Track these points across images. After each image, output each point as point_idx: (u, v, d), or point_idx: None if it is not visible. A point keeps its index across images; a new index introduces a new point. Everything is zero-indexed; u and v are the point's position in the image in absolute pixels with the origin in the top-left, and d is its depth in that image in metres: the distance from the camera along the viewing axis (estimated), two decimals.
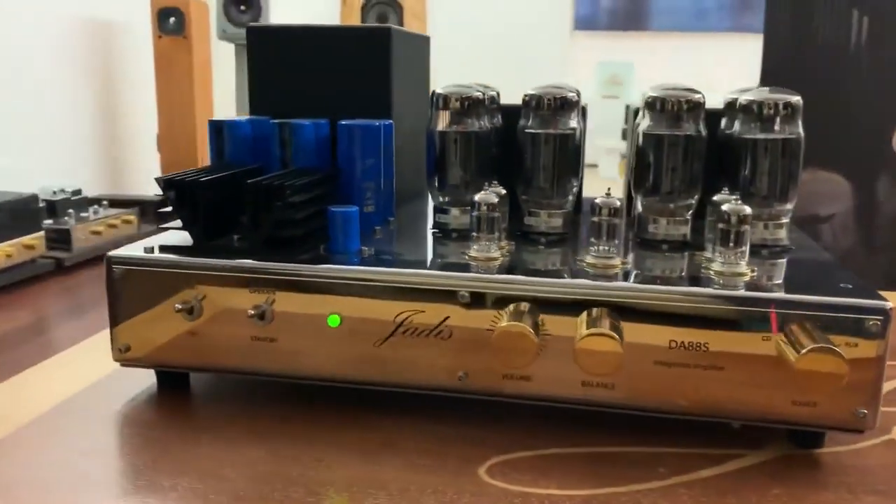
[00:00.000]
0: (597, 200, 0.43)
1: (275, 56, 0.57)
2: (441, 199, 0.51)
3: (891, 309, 0.37)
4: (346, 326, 0.42)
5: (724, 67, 4.73)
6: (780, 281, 0.43)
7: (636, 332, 0.39)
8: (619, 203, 0.43)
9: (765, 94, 0.48)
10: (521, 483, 0.37)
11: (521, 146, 0.49)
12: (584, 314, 0.39)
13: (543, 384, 0.41)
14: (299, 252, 0.44)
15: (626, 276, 0.42)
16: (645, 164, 0.48)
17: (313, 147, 0.52)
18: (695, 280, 0.42)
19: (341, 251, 0.45)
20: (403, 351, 0.42)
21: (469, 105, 0.50)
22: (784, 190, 0.47)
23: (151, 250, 0.45)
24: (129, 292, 0.44)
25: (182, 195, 0.44)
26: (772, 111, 0.47)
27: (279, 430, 0.41)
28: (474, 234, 0.45)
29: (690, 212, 0.48)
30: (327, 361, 0.43)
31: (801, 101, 0.47)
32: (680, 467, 0.38)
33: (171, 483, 0.36)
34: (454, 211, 0.51)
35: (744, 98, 0.48)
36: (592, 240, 0.43)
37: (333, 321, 0.42)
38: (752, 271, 0.42)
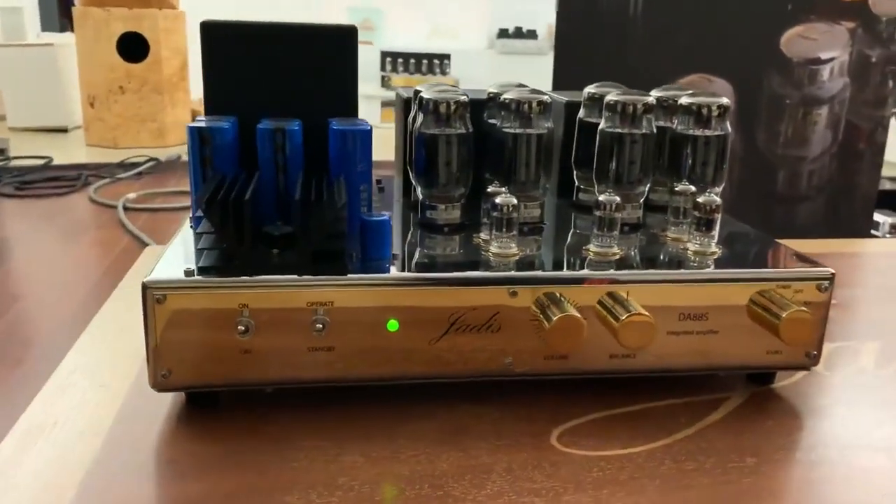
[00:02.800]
0: (600, 198, 0.50)
1: (231, 54, 0.56)
2: (430, 196, 0.55)
3: (833, 274, 0.49)
4: (403, 329, 0.45)
5: (470, 13, 4.98)
6: (747, 257, 0.53)
7: (652, 310, 0.47)
8: (618, 200, 0.50)
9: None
10: (591, 447, 0.44)
11: (505, 144, 0.55)
12: (608, 297, 0.47)
13: (578, 361, 0.47)
14: (338, 261, 0.46)
15: (626, 262, 0.49)
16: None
17: (301, 151, 0.52)
18: (680, 262, 0.50)
19: (377, 258, 0.47)
20: (457, 346, 0.46)
21: (456, 108, 0.54)
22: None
23: (191, 273, 0.44)
24: (172, 317, 0.43)
25: (225, 214, 0.44)
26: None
27: (356, 434, 0.44)
28: (495, 232, 0.50)
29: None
30: (385, 363, 0.46)
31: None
32: (693, 415, 0.48)
33: (294, 499, 0.38)
34: (441, 207, 0.55)
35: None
36: (597, 231, 0.50)
37: (393, 326, 0.45)
38: (720, 249, 0.52)
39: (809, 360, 0.50)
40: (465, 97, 0.54)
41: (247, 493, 0.38)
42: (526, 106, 0.54)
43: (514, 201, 0.49)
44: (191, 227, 0.53)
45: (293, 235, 0.46)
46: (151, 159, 2.60)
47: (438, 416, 0.46)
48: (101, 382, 0.49)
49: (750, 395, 0.50)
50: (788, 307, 0.46)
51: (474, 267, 0.47)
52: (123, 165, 2.56)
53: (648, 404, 0.49)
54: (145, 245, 2.06)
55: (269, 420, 0.45)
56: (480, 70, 4.99)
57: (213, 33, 0.55)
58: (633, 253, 0.52)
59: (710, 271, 0.48)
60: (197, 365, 0.44)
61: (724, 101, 0.56)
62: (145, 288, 0.43)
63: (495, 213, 0.49)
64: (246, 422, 0.45)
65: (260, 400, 0.47)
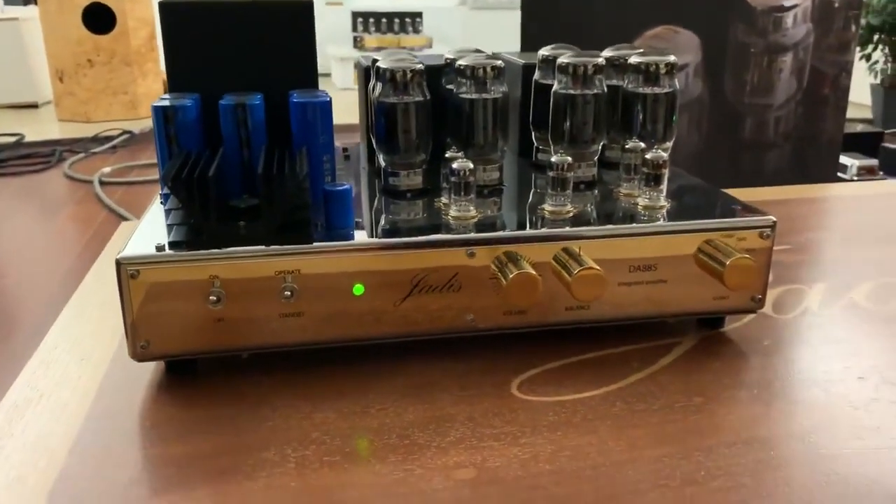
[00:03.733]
0: (553, 159, 0.53)
1: (191, 32, 0.57)
2: (391, 163, 0.57)
3: (775, 221, 0.52)
4: (369, 293, 0.48)
5: None
6: (694, 209, 0.56)
7: (603, 263, 0.49)
8: (570, 160, 0.53)
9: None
10: (548, 394, 0.47)
11: (462, 109, 0.57)
12: (563, 253, 0.49)
13: (536, 314, 0.50)
14: (304, 230, 0.48)
15: (579, 219, 0.52)
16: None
17: (263, 125, 0.54)
18: (630, 217, 0.53)
19: (341, 226, 0.50)
20: (421, 306, 0.49)
21: (413, 76, 0.55)
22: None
23: (162, 248, 0.46)
24: (146, 291, 0.45)
25: (190, 191, 0.46)
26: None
27: (328, 392, 0.47)
28: (454, 196, 0.52)
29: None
30: (353, 325, 0.48)
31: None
32: (645, 360, 0.51)
33: (271, 454, 0.41)
34: (403, 173, 0.57)
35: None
36: (550, 191, 0.53)
37: (358, 290, 0.48)
38: (668, 203, 0.54)
39: (755, 303, 0.53)
40: (420, 65, 0.56)
41: (227, 452, 0.41)
42: (480, 71, 0.56)
43: (471, 165, 0.52)
44: (161, 203, 0.55)
45: (258, 208, 0.48)
46: (125, 132, 2.60)
47: (406, 372, 0.49)
48: (83, 356, 0.52)
49: (700, 339, 0.54)
50: (731, 255, 0.49)
51: (435, 230, 0.50)
52: (97, 139, 2.56)
53: (603, 352, 0.52)
54: (123, 219, 2.07)
55: (245, 384, 0.48)
56: (454, 27, 4.95)
57: (173, 12, 0.56)
58: (588, 209, 0.54)
59: (657, 224, 0.51)
60: (173, 335, 0.47)
61: (672, 58, 0.58)
62: (119, 264, 0.45)
63: (453, 178, 0.52)
64: (224, 386, 0.48)
65: (237, 366, 0.49)
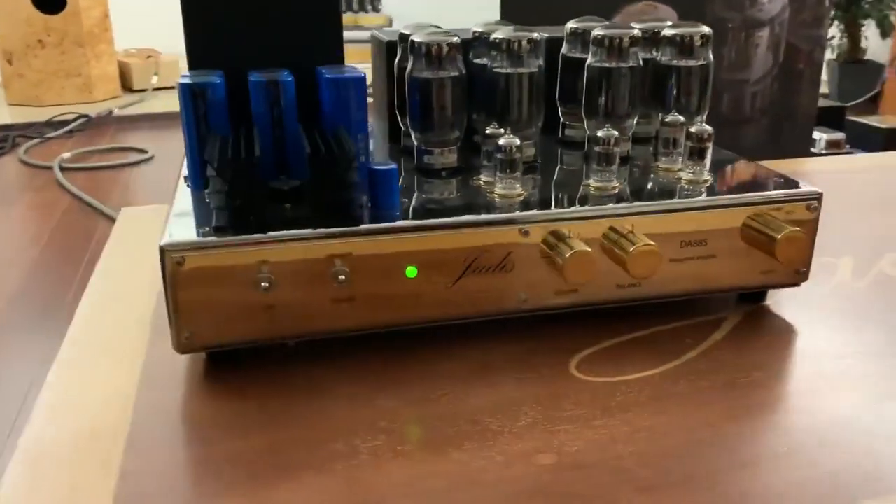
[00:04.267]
0: (599, 133, 0.51)
1: (212, 4, 0.54)
2: (426, 141, 0.55)
3: (821, 193, 0.51)
4: (422, 275, 0.46)
5: None
6: (738, 182, 0.55)
7: (655, 239, 0.49)
8: (616, 135, 0.51)
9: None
10: (608, 374, 0.46)
11: (498, 84, 0.55)
12: (613, 230, 0.48)
13: (588, 293, 0.49)
14: (354, 212, 0.46)
15: (624, 195, 0.51)
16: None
17: (295, 103, 0.52)
18: (677, 192, 0.52)
19: (388, 207, 0.48)
20: (473, 287, 0.47)
21: (449, 50, 0.53)
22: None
23: (207, 233, 0.43)
24: (192, 279, 0.43)
25: (237, 173, 0.43)
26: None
27: (386, 379, 0.45)
28: (499, 173, 0.50)
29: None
30: (406, 309, 0.47)
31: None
32: (698, 336, 0.50)
33: (340, 446, 0.39)
34: (438, 151, 0.55)
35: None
36: (596, 167, 0.52)
37: (411, 272, 0.46)
38: (711, 177, 0.54)
39: (800, 276, 0.53)
40: (456, 38, 0.54)
41: (292, 445, 0.39)
42: (517, 45, 0.54)
43: (517, 142, 0.50)
44: (187, 185, 0.53)
45: (302, 189, 0.46)
46: (81, 116, 2.51)
47: (462, 356, 0.47)
48: (113, 350, 0.49)
49: (746, 313, 0.53)
50: (782, 228, 0.49)
51: (485, 209, 0.48)
52: (52, 124, 2.47)
53: (655, 329, 0.51)
54: (90, 206, 1.99)
55: (295, 373, 0.46)
56: (414, 5, 4.89)
57: None
58: (631, 185, 0.53)
59: (708, 198, 0.50)
60: (220, 324, 0.44)
61: (706, 30, 0.58)
62: (164, 251, 0.42)
63: (499, 155, 0.50)
64: (271, 376, 0.46)
65: (281, 355, 0.47)
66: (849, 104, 2.80)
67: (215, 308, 0.44)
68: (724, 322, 0.52)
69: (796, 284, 0.53)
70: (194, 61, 0.54)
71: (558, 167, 0.59)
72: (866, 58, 3.32)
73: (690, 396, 0.44)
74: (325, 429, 0.41)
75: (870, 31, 3.24)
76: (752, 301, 0.55)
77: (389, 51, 0.62)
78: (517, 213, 0.47)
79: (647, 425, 0.41)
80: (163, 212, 0.48)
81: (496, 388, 0.44)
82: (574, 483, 0.37)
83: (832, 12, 3.33)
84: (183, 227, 0.45)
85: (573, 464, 0.38)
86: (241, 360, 0.47)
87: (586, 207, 0.49)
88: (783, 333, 0.51)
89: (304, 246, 0.44)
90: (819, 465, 0.38)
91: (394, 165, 0.48)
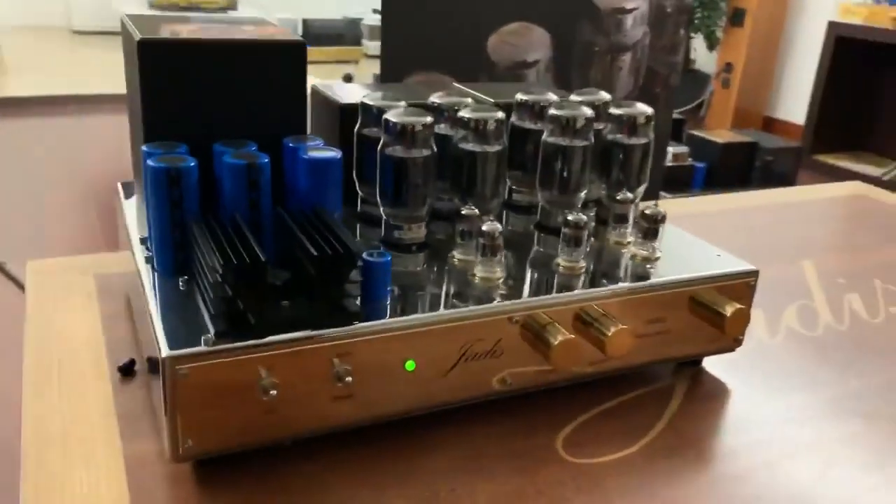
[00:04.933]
0: (569, 217, 0.54)
1: (174, 74, 0.51)
2: (395, 216, 0.55)
3: (757, 270, 0.57)
4: (420, 366, 0.47)
5: None
6: (683, 262, 0.60)
7: (628, 319, 0.52)
8: (584, 218, 0.54)
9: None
10: (593, 454, 0.49)
11: (467, 161, 0.56)
12: (584, 313, 0.51)
13: (565, 372, 0.52)
14: (350, 308, 0.46)
15: (594, 275, 0.54)
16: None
17: (270, 184, 0.50)
18: (641, 277, 0.56)
19: (379, 298, 0.48)
20: (466, 374, 0.48)
21: (423, 129, 0.54)
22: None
23: (210, 342, 0.42)
24: (196, 390, 0.41)
25: (245, 277, 0.42)
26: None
27: (386, 474, 0.45)
28: (481, 258, 0.52)
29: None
30: (403, 400, 0.47)
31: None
32: (658, 405, 0.54)
33: None
34: (407, 227, 0.56)
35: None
36: (565, 247, 0.54)
37: (410, 366, 0.46)
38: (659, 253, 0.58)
39: (737, 343, 0.58)
40: (430, 118, 0.54)
41: None
42: (484, 124, 0.56)
43: (499, 227, 0.52)
44: (147, 252, 0.50)
45: (297, 283, 0.45)
46: None
47: (456, 444, 0.49)
48: (86, 458, 0.46)
49: (689, 377, 0.58)
50: (729, 304, 0.54)
51: (475, 299, 0.49)
52: None
53: (619, 399, 0.55)
54: None
55: (287, 472, 0.45)
56: None
57: (154, 51, 0.50)
58: (595, 264, 0.56)
59: (669, 280, 0.54)
60: (221, 431, 0.43)
61: (649, 110, 0.62)
62: (166, 363, 0.40)
63: (482, 240, 0.51)
64: (264, 477, 0.45)
65: (271, 453, 0.46)
66: (679, 110, 3.04)
67: (217, 416, 0.42)
68: (676, 389, 0.57)
69: (733, 350, 0.59)
70: (151, 132, 0.51)
71: (510, 231, 0.61)
72: (695, 68, 3.61)
73: (673, 474, 0.48)
74: None
75: (698, 43, 3.53)
76: (691, 365, 0.60)
77: (344, 116, 0.61)
78: (510, 303, 0.49)
79: None
80: (76, 266, 0.46)
81: (497, 480, 0.46)
82: None
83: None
84: (177, 331, 0.42)
85: None
86: (229, 460, 0.45)
87: (570, 294, 0.51)
88: (726, 397, 0.57)
89: (307, 349, 0.43)
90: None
91: (388, 257, 0.48)
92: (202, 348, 0.41)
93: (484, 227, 0.51)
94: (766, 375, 0.60)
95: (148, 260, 0.51)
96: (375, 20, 3.74)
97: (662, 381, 0.57)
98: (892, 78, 2.77)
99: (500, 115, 0.57)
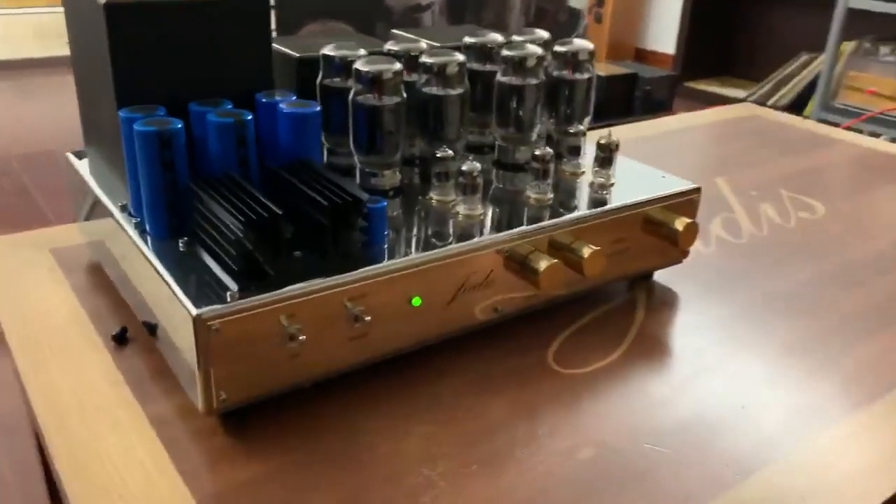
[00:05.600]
0: (536, 151, 0.58)
1: (143, 36, 0.50)
2: (370, 163, 0.57)
3: (699, 187, 0.63)
4: (425, 301, 0.50)
5: None
6: (635, 185, 0.64)
7: (595, 241, 0.57)
8: (551, 152, 0.58)
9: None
10: (581, 364, 0.54)
11: (433, 105, 0.58)
12: (559, 241, 0.55)
13: (547, 295, 0.56)
14: (364, 254, 0.48)
15: (560, 207, 0.58)
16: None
17: (255, 140, 0.51)
18: (601, 202, 0.60)
19: (379, 241, 0.50)
20: (464, 305, 0.52)
21: (393, 77, 0.55)
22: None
23: (235, 296, 0.43)
24: (227, 343, 0.42)
25: (264, 232, 0.43)
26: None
27: (410, 406, 0.49)
28: (463, 196, 0.55)
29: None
30: (412, 334, 0.50)
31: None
32: (627, 317, 0.60)
33: (420, 477, 0.43)
34: (385, 173, 0.58)
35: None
36: (534, 181, 0.58)
37: (416, 301, 0.49)
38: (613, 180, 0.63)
39: (684, 255, 0.65)
40: (399, 65, 0.56)
41: (373, 488, 0.42)
42: (445, 68, 0.58)
43: (479, 167, 0.55)
44: (131, 217, 0.50)
45: (307, 233, 0.47)
46: None
47: (463, 370, 0.52)
48: (115, 427, 0.46)
49: (646, 290, 0.64)
50: (681, 220, 0.60)
51: (466, 236, 0.52)
52: None
53: (591, 315, 0.60)
54: None
55: (320, 414, 0.47)
56: None
57: (121, 14, 0.49)
58: (562, 194, 0.60)
59: (628, 203, 0.59)
60: (251, 381, 0.44)
61: (591, 46, 0.66)
62: (198, 320, 0.41)
63: (463, 180, 0.54)
64: (294, 422, 0.47)
65: (298, 399, 0.48)
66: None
67: (247, 367, 0.44)
68: (637, 302, 0.63)
69: (680, 262, 0.65)
70: (124, 97, 0.51)
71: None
72: (569, 5, 3.70)
73: (652, 372, 0.53)
74: (387, 466, 0.44)
75: None
76: (644, 280, 0.66)
77: (305, 68, 0.61)
78: (501, 235, 0.52)
79: (631, 402, 0.50)
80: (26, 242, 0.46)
81: (506, 395, 0.50)
82: (611, 468, 0.44)
83: None
84: (196, 291, 0.43)
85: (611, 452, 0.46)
86: (253, 410, 0.47)
87: (549, 222, 0.55)
88: (681, 304, 0.63)
89: (325, 294, 0.45)
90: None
91: (384, 202, 0.50)
92: (229, 304, 0.42)
93: (464, 167, 0.54)
94: (708, 281, 0.67)
95: (137, 226, 0.50)
96: None
97: (623, 297, 0.63)
98: (747, 5, 2.96)
99: (461, 58, 0.59)
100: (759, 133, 1.09)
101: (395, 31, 0.72)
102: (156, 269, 0.46)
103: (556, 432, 0.47)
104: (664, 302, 0.63)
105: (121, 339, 0.53)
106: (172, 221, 0.49)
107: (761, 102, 2.64)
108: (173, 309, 0.44)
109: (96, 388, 0.49)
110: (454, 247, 0.51)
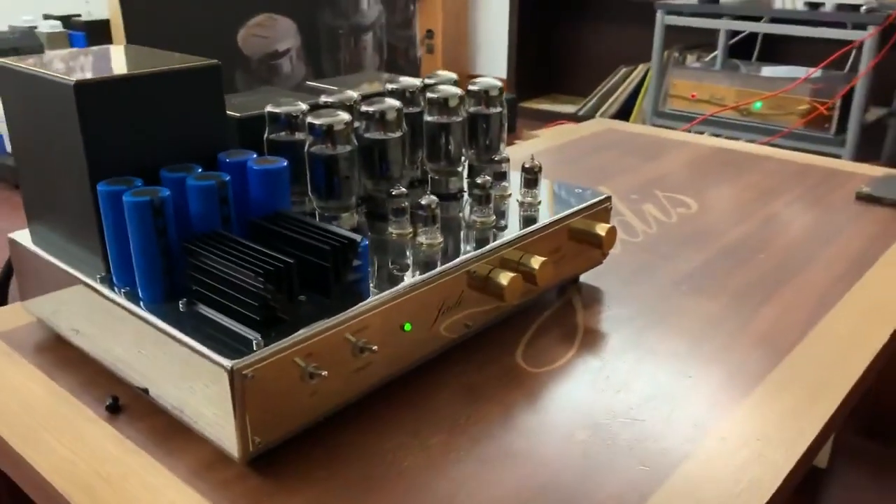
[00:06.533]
0: (477, 180, 0.64)
1: (110, 112, 0.52)
2: (328, 208, 0.61)
3: (610, 196, 0.72)
4: (414, 326, 0.55)
5: None
6: (558, 200, 0.72)
7: (538, 253, 0.64)
8: (490, 179, 0.65)
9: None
10: (544, 363, 0.61)
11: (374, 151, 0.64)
12: (509, 257, 0.62)
13: (510, 304, 0.63)
14: (362, 290, 0.52)
15: (501, 228, 0.65)
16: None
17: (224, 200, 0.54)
18: (532, 220, 0.68)
19: (367, 277, 0.54)
20: (441, 324, 0.57)
21: (345, 128, 0.60)
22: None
23: (261, 344, 0.46)
24: (260, 390, 0.45)
25: (281, 280, 0.46)
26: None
27: (415, 420, 0.53)
28: (423, 227, 0.60)
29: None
30: (405, 356, 0.55)
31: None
32: (569, 316, 0.68)
33: (466, 496, 0.47)
34: (344, 215, 0.62)
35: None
36: (477, 207, 0.65)
37: (408, 327, 0.54)
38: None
39: (604, 256, 0.74)
40: (348, 116, 0.61)
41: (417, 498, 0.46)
42: (384, 114, 0.64)
43: (436, 199, 0.60)
44: (117, 291, 0.52)
45: (305, 278, 0.50)
46: None
47: (451, 379, 0.58)
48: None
49: (576, 290, 0.73)
50: (601, 226, 0.69)
51: (434, 263, 0.58)
52: None
53: (539, 321, 0.67)
54: None
55: (334, 444, 0.51)
56: None
57: (90, 93, 0.51)
58: (501, 217, 0.67)
59: (558, 217, 0.67)
60: (279, 421, 0.47)
61: (499, 83, 0.74)
62: (234, 371, 0.44)
63: (422, 212, 0.60)
64: (314, 453, 0.50)
65: (312, 432, 0.51)
66: None
67: (275, 409, 0.47)
68: (574, 301, 0.71)
69: (601, 263, 0.74)
70: (97, 172, 0.52)
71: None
72: None
73: (614, 357, 0.61)
74: (417, 478, 0.48)
75: None
76: (571, 283, 0.74)
77: (246, 129, 0.64)
78: (469, 257, 0.58)
79: (601, 387, 0.57)
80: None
81: (497, 399, 0.56)
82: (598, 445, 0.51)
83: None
84: (221, 343, 0.46)
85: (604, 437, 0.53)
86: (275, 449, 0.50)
87: (502, 240, 0.62)
88: (610, 297, 0.72)
89: (334, 332, 0.49)
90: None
91: (366, 241, 0.55)
92: (256, 352, 0.45)
93: (423, 201, 0.60)
94: (622, 276, 0.76)
95: (128, 295, 0.52)
96: (52, 26, 3.40)
97: (559, 300, 0.71)
98: (567, 23, 3.21)
99: (398, 104, 0.65)
100: (619, 143, 1.23)
101: (309, 82, 0.77)
102: (166, 333, 0.48)
103: (550, 422, 0.53)
104: (595, 298, 0.71)
105: (114, 409, 0.54)
106: (168, 284, 0.51)
107: (591, 115, 2.88)
108: (195, 365, 0.46)
109: (111, 456, 0.50)
110: (435, 272, 0.56)
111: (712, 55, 2.55)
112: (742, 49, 2.58)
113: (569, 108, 3.07)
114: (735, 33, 2.46)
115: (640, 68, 2.84)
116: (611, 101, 2.89)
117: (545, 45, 3.22)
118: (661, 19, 2.18)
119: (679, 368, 0.60)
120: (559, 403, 0.56)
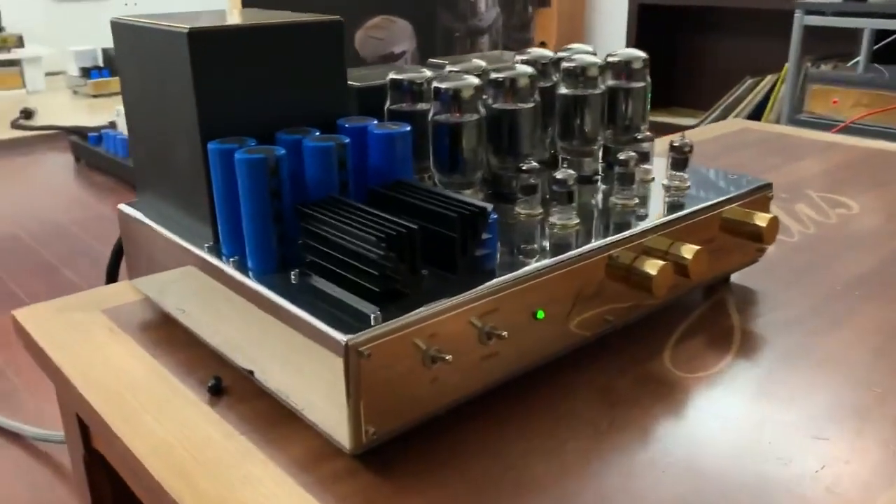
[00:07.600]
0: (620, 156, 0.57)
1: (227, 64, 0.48)
2: (451, 183, 0.55)
3: (771, 183, 0.63)
4: (547, 314, 0.48)
5: None
6: (709, 183, 0.64)
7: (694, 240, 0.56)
8: (635, 156, 0.57)
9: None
10: (697, 369, 0.52)
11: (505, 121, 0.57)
12: (664, 241, 0.54)
13: (658, 298, 0.55)
14: (478, 264, 0.46)
15: (652, 210, 0.57)
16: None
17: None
18: (679, 206, 0.59)
19: (495, 254, 0.48)
20: (578, 316, 0.50)
21: (473, 94, 0.54)
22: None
23: (379, 319, 0.40)
24: (375, 371, 0.39)
25: (403, 248, 0.40)
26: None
27: (555, 417, 0.46)
28: (558, 206, 0.53)
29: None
30: (538, 348, 0.48)
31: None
32: (724, 316, 0.59)
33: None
34: (468, 192, 0.56)
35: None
36: (619, 187, 0.57)
37: (540, 314, 0.47)
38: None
39: (761, 252, 0.64)
40: (477, 81, 0.55)
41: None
42: (515, 82, 0.57)
43: (574, 173, 0.53)
44: (227, 261, 0.47)
45: (428, 250, 0.44)
46: None
47: (590, 379, 0.50)
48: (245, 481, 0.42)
49: (729, 291, 0.63)
50: (762, 216, 0.59)
51: (568, 247, 0.50)
52: None
53: (688, 321, 0.58)
54: None
55: (457, 440, 0.44)
56: (37, 20, 4.37)
57: (205, 43, 0.47)
58: (641, 197, 0.59)
59: (710, 203, 0.59)
60: (396, 411, 0.41)
61: (644, 54, 0.66)
62: (349, 347, 0.38)
63: (558, 188, 0.53)
64: (434, 450, 0.44)
65: (428, 427, 0.45)
66: None
67: (392, 396, 0.41)
68: (728, 304, 0.62)
69: (757, 260, 0.65)
70: (209, 130, 0.48)
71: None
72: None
73: (772, 371, 0.52)
74: (557, 485, 0.41)
75: None
76: (723, 281, 0.65)
77: (367, 96, 0.59)
78: (609, 241, 0.51)
79: (770, 396, 0.48)
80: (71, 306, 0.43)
81: (642, 405, 0.48)
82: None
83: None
84: (336, 318, 0.40)
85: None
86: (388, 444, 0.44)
87: (643, 227, 0.54)
88: (767, 299, 0.62)
89: (460, 312, 0.43)
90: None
91: (495, 213, 0.48)
92: (374, 327, 0.40)
93: (558, 175, 0.53)
94: (780, 277, 0.66)
95: (236, 264, 0.47)
96: None
97: (706, 301, 0.62)
98: (687, 36, 3.08)
99: (531, 70, 0.58)
100: (757, 143, 1.12)
101: (432, 59, 0.71)
102: (275, 304, 0.43)
103: (710, 436, 0.45)
104: (750, 300, 0.62)
105: (216, 390, 0.49)
106: (279, 254, 0.46)
107: None
108: (309, 342, 0.41)
109: (211, 441, 0.45)
110: (572, 253, 0.49)
111: (852, 62, 2.36)
112: (885, 55, 2.38)
113: (689, 121, 2.92)
114: (880, 37, 2.27)
115: (769, 79, 2.68)
116: (735, 112, 2.73)
117: (664, 57, 3.09)
118: (801, 20, 2.03)
119: (862, 378, 0.50)
120: (717, 413, 0.47)
